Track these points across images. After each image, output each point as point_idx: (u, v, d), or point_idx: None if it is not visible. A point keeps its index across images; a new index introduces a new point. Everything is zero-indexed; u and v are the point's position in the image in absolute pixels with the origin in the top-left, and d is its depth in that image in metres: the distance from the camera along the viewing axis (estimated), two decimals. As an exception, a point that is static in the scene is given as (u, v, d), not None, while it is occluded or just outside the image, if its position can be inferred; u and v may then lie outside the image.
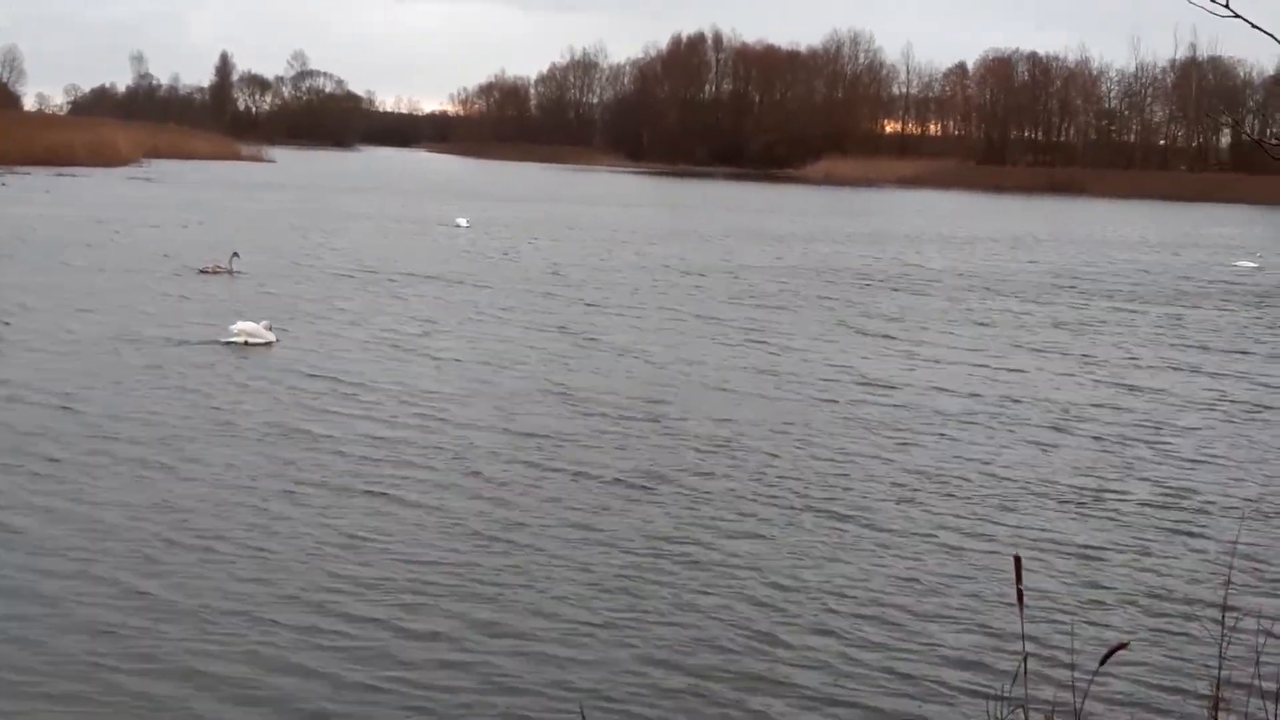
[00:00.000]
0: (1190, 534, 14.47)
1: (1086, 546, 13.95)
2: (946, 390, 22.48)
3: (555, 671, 10.37)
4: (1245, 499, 15.94)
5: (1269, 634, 10.09)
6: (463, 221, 54.74)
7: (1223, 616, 8.69)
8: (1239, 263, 52.11)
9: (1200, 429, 20.12)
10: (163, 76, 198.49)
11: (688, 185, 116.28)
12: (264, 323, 24.52)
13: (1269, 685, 8.55)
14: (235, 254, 36.18)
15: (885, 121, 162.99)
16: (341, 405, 19.41)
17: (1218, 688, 7.91)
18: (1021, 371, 24.78)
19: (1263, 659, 9.03)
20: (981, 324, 32.00)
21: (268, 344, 23.98)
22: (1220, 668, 7.97)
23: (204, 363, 22.19)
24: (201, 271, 35.15)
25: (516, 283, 36.12)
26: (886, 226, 70.22)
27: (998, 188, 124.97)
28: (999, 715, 8.48)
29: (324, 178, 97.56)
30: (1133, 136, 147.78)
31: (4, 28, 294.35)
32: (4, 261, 35.61)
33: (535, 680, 10.20)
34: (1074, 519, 15.01)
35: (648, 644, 11.03)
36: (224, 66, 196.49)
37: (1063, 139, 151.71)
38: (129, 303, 29.89)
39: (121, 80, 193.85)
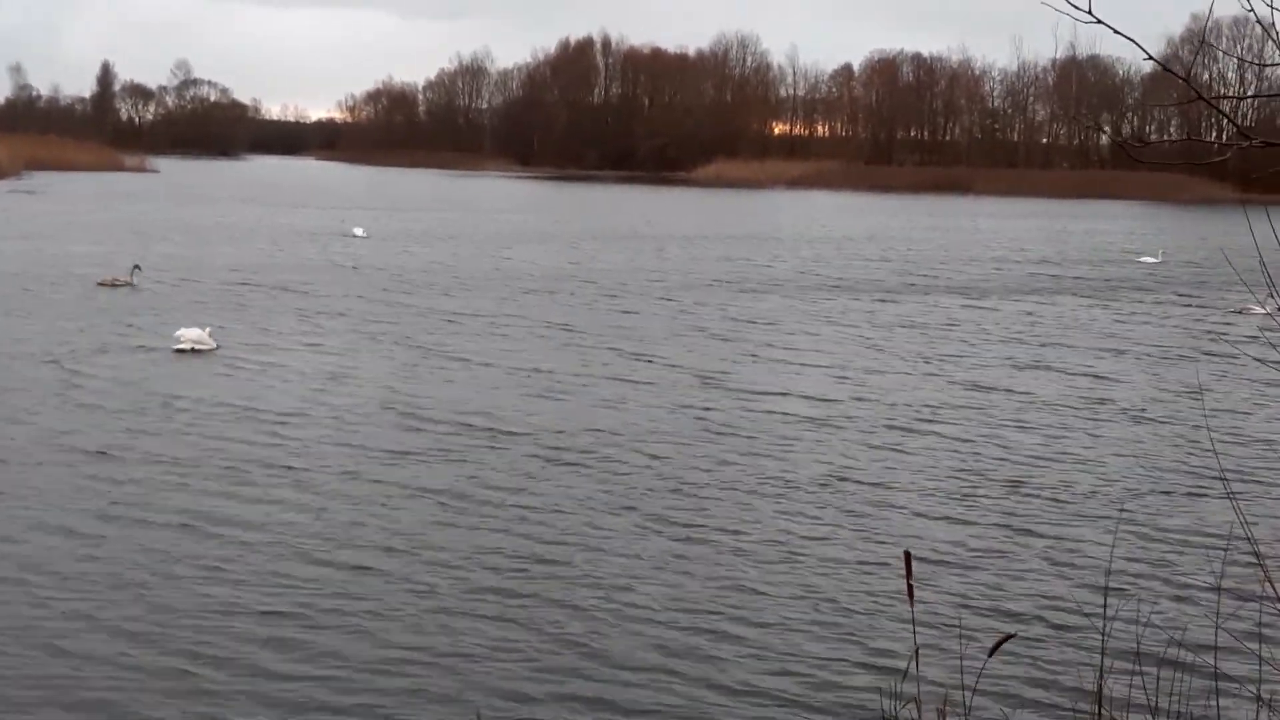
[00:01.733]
0: (1065, 527, 14.80)
1: (965, 542, 14.16)
2: (828, 394, 22.72)
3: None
4: (1126, 488, 16.50)
5: (1148, 624, 10.74)
6: (359, 231, 54.59)
7: (1104, 603, 9.34)
8: (1141, 258, 53.08)
9: (1083, 423, 20.68)
10: (42, 87, 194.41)
11: (575, 190, 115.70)
12: (207, 330, 25.78)
13: (1149, 669, 9.18)
14: (136, 266, 36.03)
15: (774, 123, 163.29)
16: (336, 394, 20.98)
17: (1101, 675, 8.52)
18: (884, 373, 25.01)
19: (1142, 645, 9.66)
20: (875, 325, 32.27)
21: (211, 350, 25.17)
22: (1103, 653, 8.58)
23: (156, 369, 23.41)
24: (100, 284, 34.90)
25: (392, 291, 36.21)
26: (764, 227, 70.39)
27: (885, 187, 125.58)
28: (893, 711, 9.02)
29: (211, 188, 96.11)
30: (1016, 135, 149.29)
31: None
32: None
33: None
34: (951, 516, 15.22)
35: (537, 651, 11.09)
36: (105, 76, 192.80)
37: (948, 138, 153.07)
38: (44, 315, 29.76)
39: (0, 91, 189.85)
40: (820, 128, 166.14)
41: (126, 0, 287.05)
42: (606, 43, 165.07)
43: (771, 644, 11.25)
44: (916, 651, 8.62)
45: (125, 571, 12.69)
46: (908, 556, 9.12)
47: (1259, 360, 19.50)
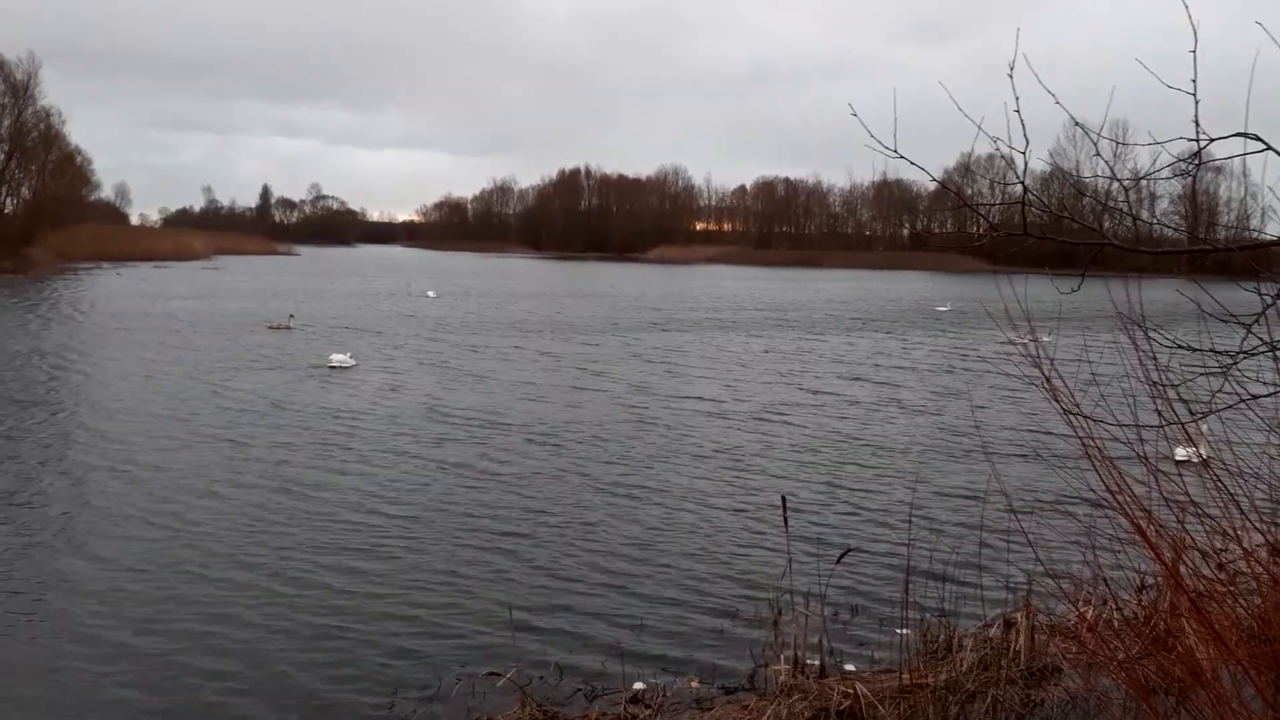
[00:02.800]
0: (879, 483, 14.84)
1: (813, 493, 14.16)
2: (716, 395, 23.11)
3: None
4: (918, 457, 16.62)
5: (940, 533, 10.78)
6: (431, 293, 54.40)
7: (909, 525, 9.37)
8: (937, 307, 53.48)
9: (888, 414, 20.84)
10: (224, 200, 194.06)
11: (568, 265, 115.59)
12: (349, 354, 26.75)
13: (939, 568, 9.22)
14: (291, 315, 36.10)
15: (696, 222, 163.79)
16: (395, 400, 20.59)
17: (907, 572, 8.55)
18: (752, 382, 25.24)
19: (935, 555, 9.71)
20: (748, 350, 32.19)
21: (351, 367, 25.85)
22: (909, 559, 8.62)
23: (318, 378, 24.03)
24: (270, 328, 34.80)
25: (443, 331, 36.07)
26: (686, 289, 70.74)
27: (766, 264, 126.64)
28: (775, 599, 9.01)
29: (336, 265, 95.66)
30: (850, 229, 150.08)
31: (117, 167, 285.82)
32: (134, 325, 34.93)
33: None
34: (802, 477, 15.16)
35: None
36: (265, 193, 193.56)
37: (806, 232, 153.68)
38: (233, 345, 29.73)
39: (197, 203, 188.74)
40: (725, 225, 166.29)
41: (278, 143, 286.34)
42: (589, 171, 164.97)
43: (687, 563, 11.15)
44: (790, 563, 8.63)
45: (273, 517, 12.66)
46: (784, 500, 9.14)
47: (1008, 374, 19.66)
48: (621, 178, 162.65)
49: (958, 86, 4.24)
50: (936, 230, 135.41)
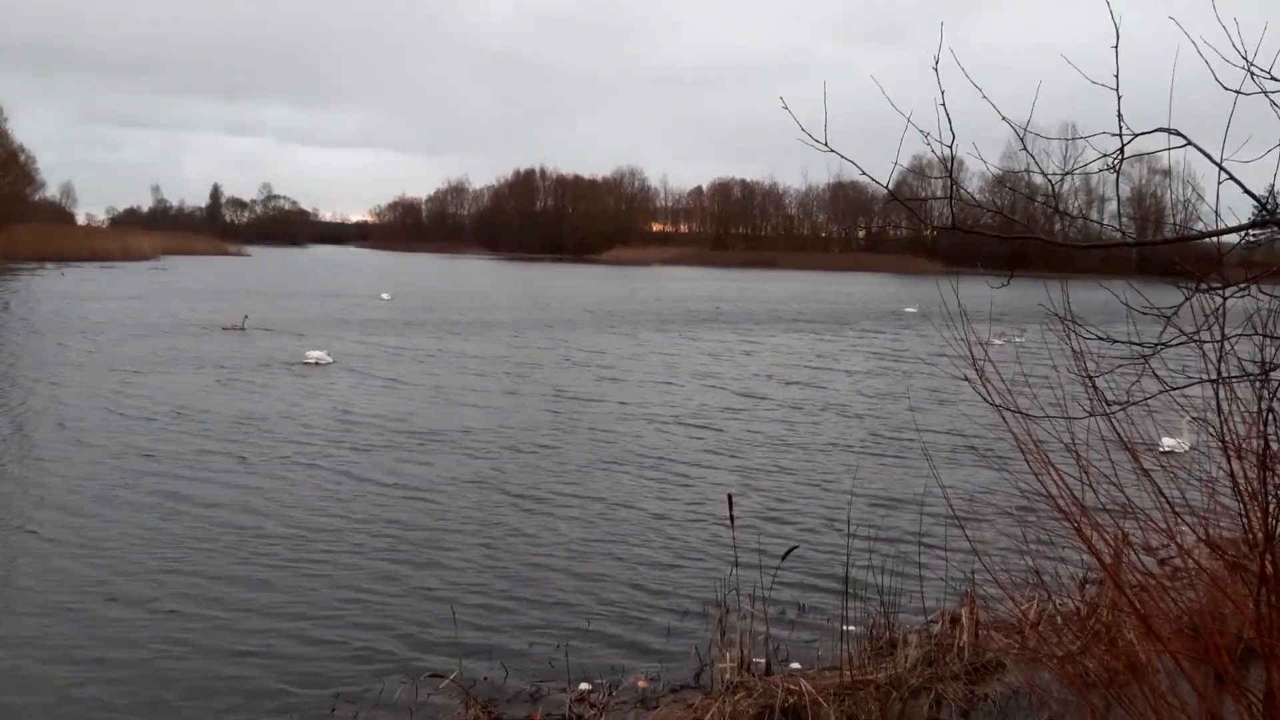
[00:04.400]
0: (826, 481, 14.98)
1: (754, 491, 14.27)
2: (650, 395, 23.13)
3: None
4: (861, 445, 16.76)
5: (882, 532, 10.86)
6: (385, 295, 53.96)
7: (852, 525, 9.43)
8: (906, 308, 53.47)
9: (829, 415, 20.96)
10: (173, 200, 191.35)
11: (524, 266, 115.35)
12: (325, 351, 27.02)
13: (882, 567, 9.27)
14: (246, 316, 35.71)
15: (652, 223, 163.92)
16: (374, 395, 20.65)
17: (847, 571, 8.61)
18: (683, 386, 25.50)
19: (877, 553, 9.77)
20: (694, 349, 32.44)
21: (329, 364, 26.10)
22: (851, 559, 8.68)
23: (294, 374, 24.33)
24: (223, 329, 34.38)
25: (405, 327, 35.90)
26: (638, 288, 71.11)
27: (722, 264, 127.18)
28: (721, 599, 9.02)
29: (287, 266, 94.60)
30: (806, 231, 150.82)
31: (62, 165, 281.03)
32: (81, 326, 34.33)
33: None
34: (747, 477, 15.23)
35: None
36: (215, 193, 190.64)
37: (762, 233, 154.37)
38: (190, 347, 29.33)
39: (145, 202, 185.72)
40: (682, 226, 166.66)
41: (227, 141, 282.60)
42: (544, 171, 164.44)
43: (632, 564, 11.16)
44: (735, 563, 8.68)
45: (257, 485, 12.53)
46: (730, 499, 9.15)
47: (948, 374, 19.80)
48: (577, 178, 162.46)
49: (915, 86, 4.23)
50: (891, 232, 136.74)
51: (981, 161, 4.32)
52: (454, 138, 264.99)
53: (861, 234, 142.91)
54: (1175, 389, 3.63)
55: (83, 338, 30.90)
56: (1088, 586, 9.24)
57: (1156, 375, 3.73)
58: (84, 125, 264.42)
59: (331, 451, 16.18)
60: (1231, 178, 3.53)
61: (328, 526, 12.11)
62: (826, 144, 4.17)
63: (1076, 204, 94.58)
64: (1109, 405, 3.83)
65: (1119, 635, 7.03)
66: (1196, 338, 3.40)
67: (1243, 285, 3.36)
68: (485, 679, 8.22)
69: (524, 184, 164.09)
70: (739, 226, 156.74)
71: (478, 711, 7.55)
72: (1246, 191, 3.57)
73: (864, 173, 3.96)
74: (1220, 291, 3.34)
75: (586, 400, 22.23)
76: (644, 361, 29.44)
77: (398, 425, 18.58)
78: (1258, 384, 4.37)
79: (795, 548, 9.17)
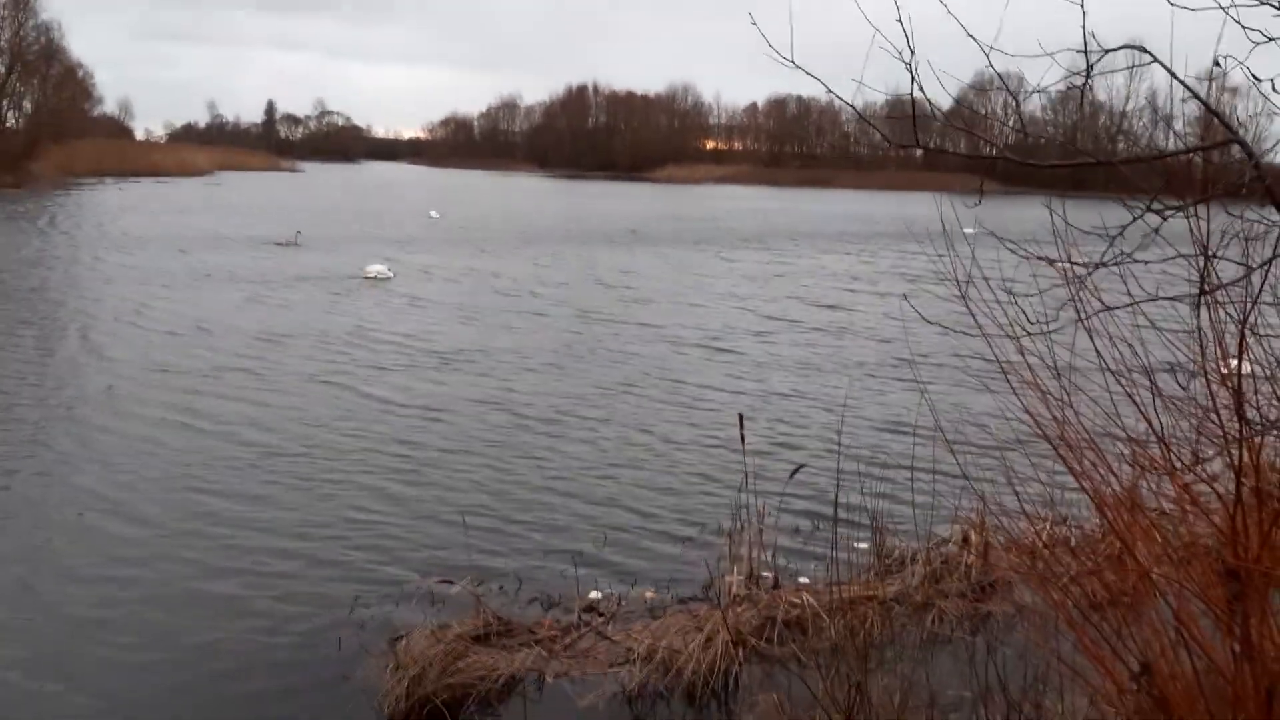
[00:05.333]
0: (837, 403, 14.84)
1: (762, 412, 14.39)
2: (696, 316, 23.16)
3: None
4: (882, 370, 16.71)
5: (869, 463, 10.90)
6: (434, 213, 54.18)
7: (838, 449, 9.49)
8: (965, 229, 52.41)
9: (860, 339, 20.88)
10: (229, 116, 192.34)
11: (573, 185, 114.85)
12: (385, 265, 27.50)
13: (896, 489, 9.39)
14: (299, 231, 36.11)
15: (706, 141, 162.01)
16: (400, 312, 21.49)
17: (860, 491, 8.70)
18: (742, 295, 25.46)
19: (892, 475, 9.87)
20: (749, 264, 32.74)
21: (389, 278, 26.61)
22: (860, 482, 8.75)
23: (354, 290, 25.01)
24: (276, 244, 34.77)
25: (459, 244, 36.08)
26: (683, 206, 70.65)
27: (776, 183, 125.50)
28: (732, 515, 9.19)
29: (338, 182, 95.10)
30: (864, 150, 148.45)
31: (119, 82, 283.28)
32: (138, 241, 34.97)
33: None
34: (763, 395, 15.43)
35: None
36: (270, 109, 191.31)
37: (818, 151, 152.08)
38: (249, 261, 29.90)
39: (201, 119, 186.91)
40: (736, 144, 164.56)
41: (282, 59, 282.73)
42: (596, 88, 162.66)
43: (646, 481, 11.39)
44: (746, 480, 8.79)
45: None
46: (741, 418, 9.27)
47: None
48: (630, 95, 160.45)
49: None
50: (951, 151, 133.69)
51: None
52: (506, 53, 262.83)
53: (920, 152, 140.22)
54: (1162, 298, 3.67)
55: (120, 253, 31.45)
56: (1108, 509, 9.29)
57: (1099, 298, 3.77)
58: (140, 42, 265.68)
59: (350, 369, 16.47)
60: (1190, 91, 3.52)
61: (342, 445, 12.38)
62: (794, 60, 4.19)
63: (1142, 123, 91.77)
64: (1044, 324, 3.89)
65: (1132, 558, 7.10)
66: (1131, 258, 3.43)
67: (1182, 205, 3.38)
68: (501, 588, 8.53)
69: (575, 101, 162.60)
70: (793, 144, 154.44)
71: (488, 616, 7.84)
72: (1207, 107, 3.56)
73: (830, 91, 3.99)
74: (1162, 213, 3.36)
75: (612, 321, 22.30)
76: (675, 282, 29.37)
77: (420, 344, 18.84)
78: (1236, 303, 4.38)
79: (803, 466, 9.30)
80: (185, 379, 15.35)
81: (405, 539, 9.52)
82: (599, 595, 8.53)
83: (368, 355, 17.63)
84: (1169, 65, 3.65)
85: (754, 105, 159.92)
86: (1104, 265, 3.49)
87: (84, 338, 18.31)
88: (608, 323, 22.00)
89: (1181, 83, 3.53)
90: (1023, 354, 5.01)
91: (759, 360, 18.30)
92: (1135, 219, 3.38)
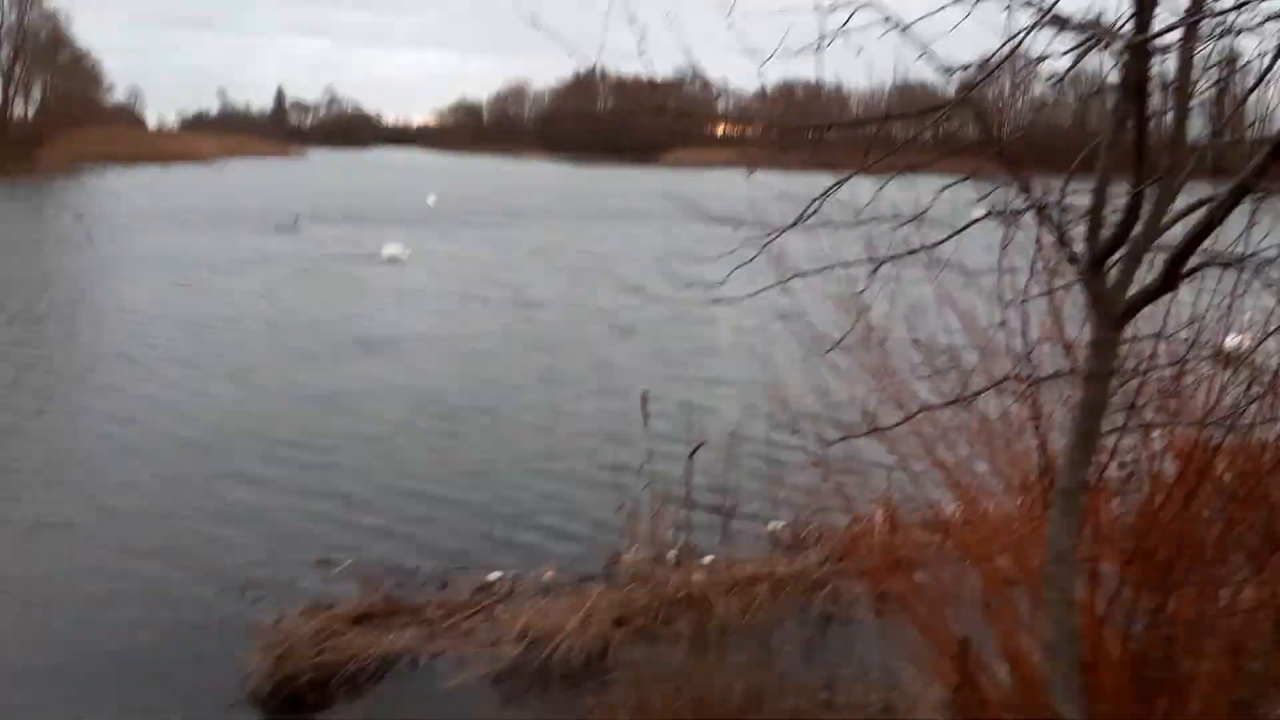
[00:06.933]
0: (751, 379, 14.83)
1: (682, 386, 14.19)
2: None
3: None
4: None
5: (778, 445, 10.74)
6: (431, 200, 53.91)
7: (778, 422, 9.37)
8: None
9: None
10: (240, 103, 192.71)
11: (584, 169, 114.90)
12: (401, 245, 27.72)
13: (803, 462, 9.25)
14: (298, 215, 36.04)
15: (715, 125, 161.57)
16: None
17: (772, 466, 8.62)
18: None
19: (802, 450, 9.73)
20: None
21: (406, 259, 27.10)
22: (770, 457, 8.66)
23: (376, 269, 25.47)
24: (276, 227, 34.54)
25: (453, 226, 35.87)
26: (694, 190, 70.24)
27: (786, 167, 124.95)
28: (637, 490, 9.15)
29: (341, 168, 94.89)
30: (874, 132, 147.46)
31: (130, 70, 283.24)
32: (157, 220, 35.05)
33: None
34: (667, 374, 15.34)
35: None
36: (279, 96, 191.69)
37: (826, 137, 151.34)
38: (253, 244, 30.02)
39: (214, 107, 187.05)
40: (747, 129, 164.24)
41: (292, 45, 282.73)
42: (604, 73, 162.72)
43: (548, 461, 11.38)
44: (649, 458, 8.75)
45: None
46: (644, 396, 9.21)
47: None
48: (637, 79, 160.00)
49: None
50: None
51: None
52: (516, 38, 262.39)
53: (929, 135, 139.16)
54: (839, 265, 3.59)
55: (159, 238, 31.46)
56: (1027, 490, 9.20)
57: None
58: (153, 29, 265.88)
59: (270, 354, 16.32)
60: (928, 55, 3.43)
61: (250, 431, 12.27)
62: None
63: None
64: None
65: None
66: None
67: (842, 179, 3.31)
68: (399, 569, 8.50)
69: (584, 85, 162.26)
70: (808, 130, 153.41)
71: (376, 596, 7.83)
72: (948, 72, 3.47)
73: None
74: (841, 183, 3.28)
75: (541, 305, 21.96)
76: (606, 258, 28.95)
77: (338, 331, 18.46)
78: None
79: (703, 444, 9.22)
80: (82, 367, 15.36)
81: (302, 522, 9.54)
82: (497, 576, 8.50)
83: (293, 340, 17.46)
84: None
85: (762, 90, 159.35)
86: (786, 230, 3.43)
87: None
88: (538, 306, 21.76)
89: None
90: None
91: (669, 341, 18.07)
92: (829, 192, 3.32)
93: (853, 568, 8.79)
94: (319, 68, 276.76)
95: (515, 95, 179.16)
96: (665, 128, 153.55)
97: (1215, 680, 3.98)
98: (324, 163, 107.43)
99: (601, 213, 45.21)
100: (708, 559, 8.94)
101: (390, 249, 27.41)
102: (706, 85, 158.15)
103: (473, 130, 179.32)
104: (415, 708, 6.70)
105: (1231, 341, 6.00)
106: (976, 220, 3.52)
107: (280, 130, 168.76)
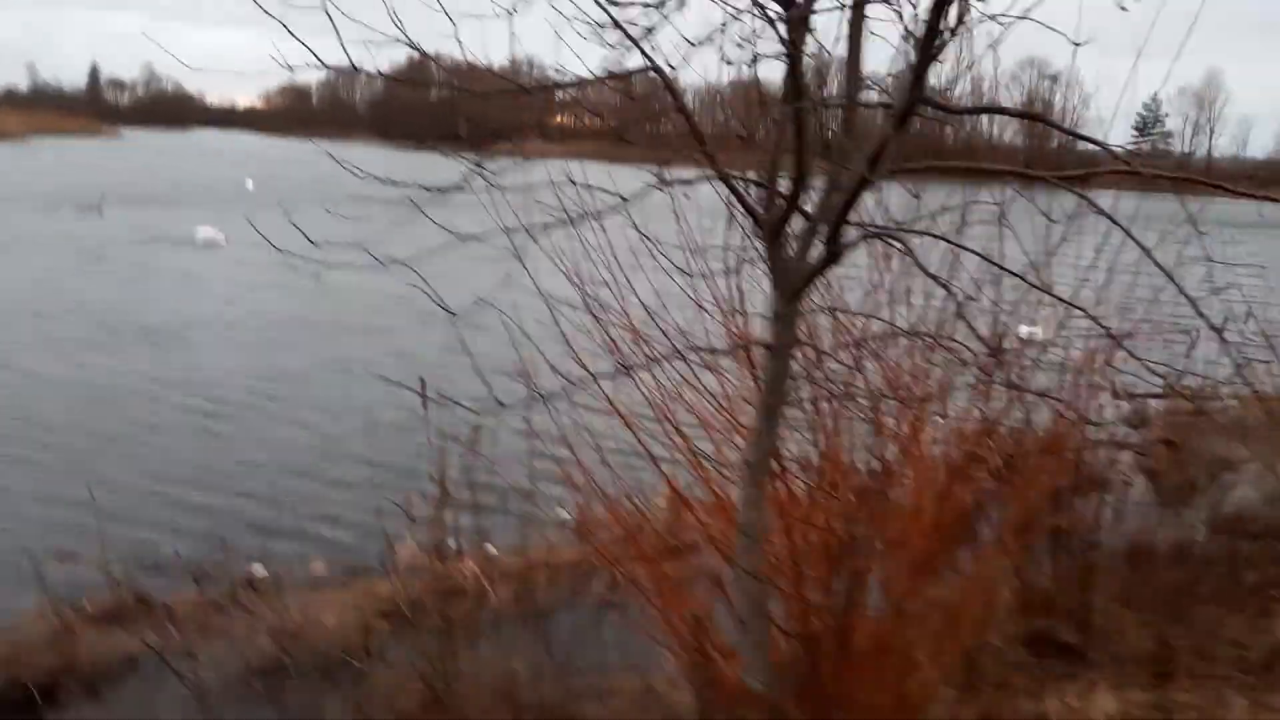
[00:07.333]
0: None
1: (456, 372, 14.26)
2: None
3: None
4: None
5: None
6: (249, 184, 52.08)
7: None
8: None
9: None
10: (49, 79, 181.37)
11: (412, 156, 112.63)
12: (216, 229, 26.47)
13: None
14: (103, 196, 34.28)
15: (553, 116, 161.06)
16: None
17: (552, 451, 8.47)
18: None
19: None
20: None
21: (224, 242, 26.00)
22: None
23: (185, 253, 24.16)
24: (78, 209, 32.78)
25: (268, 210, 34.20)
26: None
27: (624, 160, 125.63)
28: (416, 478, 8.91)
29: (158, 150, 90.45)
30: (711, 128, 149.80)
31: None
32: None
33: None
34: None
35: None
36: (94, 73, 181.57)
37: (663, 130, 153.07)
38: (49, 227, 28.27)
39: (22, 82, 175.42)
40: (587, 120, 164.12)
41: (107, 20, 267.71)
42: (438, 58, 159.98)
43: (320, 451, 11.07)
44: (427, 447, 8.49)
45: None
46: (423, 382, 8.96)
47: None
48: (472, 66, 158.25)
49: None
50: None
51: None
52: (347, 19, 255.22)
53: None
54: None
55: None
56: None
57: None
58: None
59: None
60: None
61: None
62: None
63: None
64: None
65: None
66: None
67: None
68: (156, 562, 8.09)
69: (417, 71, 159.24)
70: (642, 123, 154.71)
71: (124, 593, 7.42)
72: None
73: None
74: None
75: (345, 291, 21.32)
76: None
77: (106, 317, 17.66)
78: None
79: (479, 429, 9.06)
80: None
81: (51, 516, 9.00)
82: (262, 569, 8.17)
83: (68, 328, 16.53)
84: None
85: (601, 81, 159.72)
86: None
87: None
88: (336, 294, 21.00)
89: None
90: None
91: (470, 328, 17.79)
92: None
93: (618, 552, 8.87)
94: (134, 43, 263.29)
95: (346, 79, 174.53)
96: (500, 117, 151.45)
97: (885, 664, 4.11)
98: (141, 143, 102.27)
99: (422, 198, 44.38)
100: (489, 548, 8.82)
101: (205, 232, 26.22)
102: (542, 75, 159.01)
103: (302, 113, 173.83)
104: (157, 710, 6.36)
105: (1025, 330, 6.33)
106: (648, 189, 3.50)
107: (96, 109, 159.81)
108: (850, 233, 3.06)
